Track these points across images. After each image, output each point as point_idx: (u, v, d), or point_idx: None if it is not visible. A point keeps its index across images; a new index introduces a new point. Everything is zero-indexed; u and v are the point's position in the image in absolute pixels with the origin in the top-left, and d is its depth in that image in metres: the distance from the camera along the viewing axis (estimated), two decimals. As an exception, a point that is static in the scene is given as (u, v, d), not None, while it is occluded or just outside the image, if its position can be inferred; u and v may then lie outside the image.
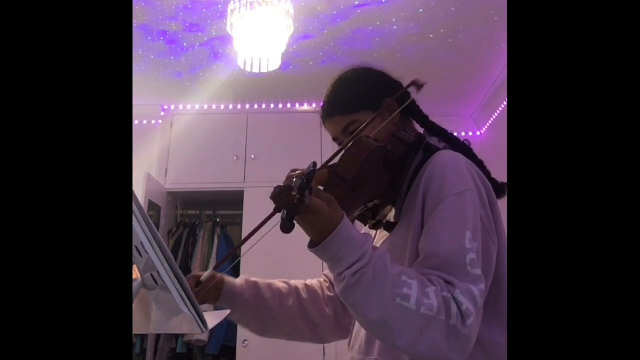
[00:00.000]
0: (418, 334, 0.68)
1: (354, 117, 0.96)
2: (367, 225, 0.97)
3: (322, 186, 0.80)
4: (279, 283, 1.10)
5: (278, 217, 0.69)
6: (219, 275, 0.99)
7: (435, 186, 0.81)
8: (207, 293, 0.96)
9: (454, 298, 0.70)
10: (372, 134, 0.91)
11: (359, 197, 0.85)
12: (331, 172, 0.80)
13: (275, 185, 0.68)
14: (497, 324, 0.81)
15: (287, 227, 0.65)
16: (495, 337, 0.81)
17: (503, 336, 0.81)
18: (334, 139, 1.02)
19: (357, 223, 0.97)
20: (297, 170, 0.78)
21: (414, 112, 1.03)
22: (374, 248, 0.73)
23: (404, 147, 0.90)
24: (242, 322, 1.06)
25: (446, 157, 0.85)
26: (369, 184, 0.85)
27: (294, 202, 0.65)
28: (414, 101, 1.03)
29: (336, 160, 0.86)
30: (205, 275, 0.93)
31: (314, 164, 0.69)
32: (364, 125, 0.92)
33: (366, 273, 0.70)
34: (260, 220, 0.80)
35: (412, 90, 0.98)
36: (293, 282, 1.13)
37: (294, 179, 0.67)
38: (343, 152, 0.85)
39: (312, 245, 0.74)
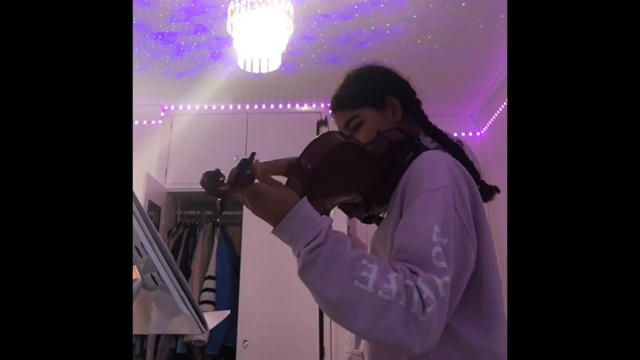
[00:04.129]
0: (374, 317, 0.69)
1: (355, 113, 0.99)
2: (360, 219, 0.99)
3: (283, 176, 0.82)
4: None
5: None
6: None
7: (413, 184, 0.83)
8: None
9: (417, 286, 0.70)
10: (371, 131, 0.93)
11: (327, 189, 0.85)
12: (291, 162, 0.82)
13: (205, 171, 0.72)
14: (476, 323, 0.81)
15: (217, 210, 0.72)
16: (474, 338, 0.80)
17: (482, 337, 0.80)
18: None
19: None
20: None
21: (415, 112, 1.03)
22: (335, 231, 0.75)
23: (387, 145, 0.90)
24: None
25: (429, 156, 0.87)
26: (340, 178, 0.86)
27: (219, 187, 0.70)
28: (417, 101, 1.04)
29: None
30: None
31: (253, 153, 0.74)
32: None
33: (322, 252, 0.71)
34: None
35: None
36: None
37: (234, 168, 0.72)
38: (308, 144, 0.85)
39: (273, 228, 0.76)
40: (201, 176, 0.73)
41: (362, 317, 0.69)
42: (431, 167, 0.84)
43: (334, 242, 0.73)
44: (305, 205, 0.75)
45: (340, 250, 0.72)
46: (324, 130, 1.00)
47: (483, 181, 0.93)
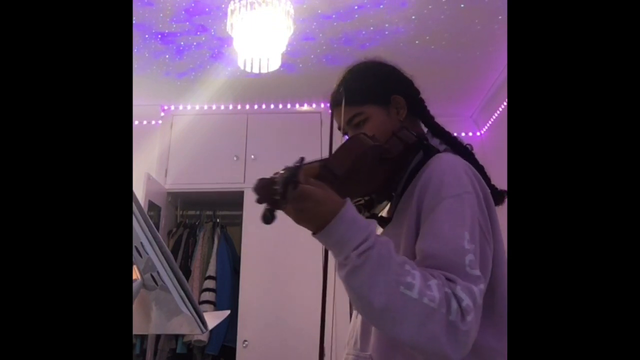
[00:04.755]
0: (418, 325, 0.68)
1: (359, 110, 0.96)
2: None
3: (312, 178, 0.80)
4: None
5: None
6: None
7: (433, 187, 0.81)
8: None
9: (455, 294, 0.70)
10: (376, 129, 0.91)
11: (350, 192, 0.85)
12: (322, 165, 0.81)
13: (259, 178, 0.68)
14: (492, 329, 0.81)
15: (268, 219, 0.66)
16: (489, 342, 0.80)
17: (497, 342, 0.80)
18: (339, 129, 1.01)
19: None
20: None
21: (421, 112, 1.02)
22: (379, 235, 0.73)
23: (402, 146, 0.90)
24: None
25: (445, 159, 0.86)
26: (362, 180, 0.86)
27: (275, 196, 0.65)
28: (422, 100, 1.03)
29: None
30: None
31: (302, 159, 0.69)
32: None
33: (371, 256, 0.69)
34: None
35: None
36: None
37: (281, 172, 0.68)
38: (338, 146, 0.85)
39: (315, 232, 0.73)
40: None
41: (407, 325, 0.68)
42: (451, 171, 0.82)
43: (381, 246, 0.71)
44: (350, 206, 0.72)
45: (387, 255, 0.70)
46: (338, 109, 0.94)
47: (494, 185, 0.92)
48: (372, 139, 0.87)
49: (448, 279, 0.72)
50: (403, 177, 0.92)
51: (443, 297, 0.69)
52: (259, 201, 0.67)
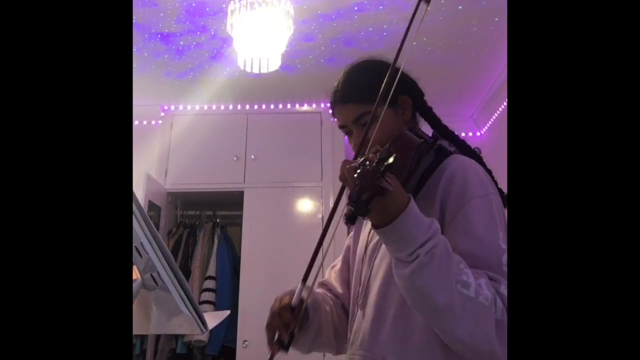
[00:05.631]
0: (475, 324, 0.68)
1: (368, 108, 0.92)
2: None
3: None
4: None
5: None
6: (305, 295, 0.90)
7: (458, 187, 0.82)
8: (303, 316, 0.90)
9: (499, 293, 0.70)
10: (384, 128, 0.90)
11: None
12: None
13: (357, 164, 0.64)
14: None
15: (365, 210, 0.63)
16: None
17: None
18: (342, 127, 0.99)
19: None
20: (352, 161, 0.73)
21: (427, 113, 1.01)
22: None
23: (426, 146, 0.88)
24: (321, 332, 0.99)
25: (465, 162, 0.86)
26: (400, 178, 0.85)
27: (379, 183, 0.62)
28: (426, 102, 1.02)
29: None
30: (294, 300, 0.87)
31: (389, 148, 0.66)
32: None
33: (436, 254, 0.69)
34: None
35: (422, 5, 0.88)
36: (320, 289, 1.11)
37: (367, 162, 0.64)
38: (388, 144, 0.83)
39: (381, 226, 0.71)
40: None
41: (466, 324, 0.68)
42: (472, 172, 0.83)
43: (443, 244, 0.70)
44: (414, 202, 0.71)
45: (447, 253, 0.70)
46: (423, 7, 0.84)
47: (500, 189, 0.92)
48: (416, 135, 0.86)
49: (490, 278, 0.72)
50: (414, 178, 0.90)
51: (492, 296, 0.69)
52: (360, 190, 0.63)
